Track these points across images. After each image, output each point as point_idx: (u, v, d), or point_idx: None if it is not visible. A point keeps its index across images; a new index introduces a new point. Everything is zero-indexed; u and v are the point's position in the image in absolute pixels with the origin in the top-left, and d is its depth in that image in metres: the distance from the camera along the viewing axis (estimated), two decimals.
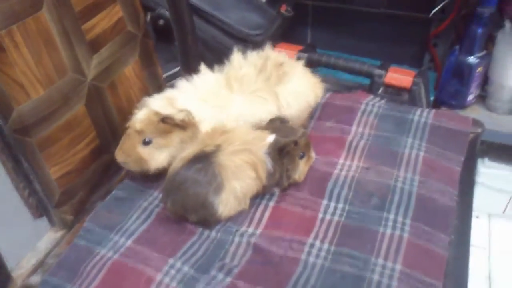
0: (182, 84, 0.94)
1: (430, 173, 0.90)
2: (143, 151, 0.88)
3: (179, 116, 0.86)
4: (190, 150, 0.83)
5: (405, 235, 0.79)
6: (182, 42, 1.18)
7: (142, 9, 1.04)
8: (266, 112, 0.92)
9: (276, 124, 0.89)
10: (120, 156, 0.89)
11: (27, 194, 0.86)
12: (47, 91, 0.82)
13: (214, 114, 0.90)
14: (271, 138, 0.84)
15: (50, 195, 0.87)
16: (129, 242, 0.81)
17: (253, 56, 0.97)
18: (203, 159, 0.80)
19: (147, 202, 0.89)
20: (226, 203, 0.81)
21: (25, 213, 0.88)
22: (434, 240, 0.78)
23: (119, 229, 0.84)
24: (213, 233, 0.82)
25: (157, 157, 0.88)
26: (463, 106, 1.59)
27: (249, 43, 1.52)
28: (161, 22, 1.54)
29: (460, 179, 0.89)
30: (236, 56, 0.96)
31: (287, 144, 0.83)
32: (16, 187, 0.85)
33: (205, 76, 0.95)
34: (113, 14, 0.94)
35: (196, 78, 0.94)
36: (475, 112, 1.59)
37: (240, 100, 0.92)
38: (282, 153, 0.84)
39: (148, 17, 1.54)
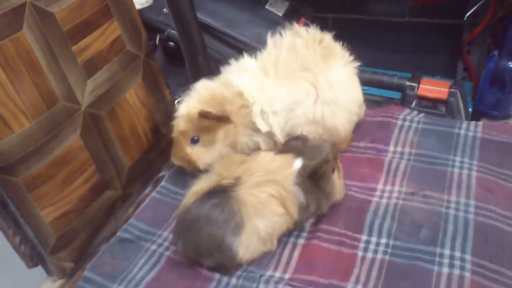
0: (231, 66, 0.90)
1: (488, 196, 0.78)
2: (191, 151, 0.86)
3: (213, 110, 0.81)
4: (204, 183, 0.73)
5: (467, 274, 0.67)
6: (192, 62, 1.10)
7: (144, 27, 0.96)
8: (304, 93, 0.85)
9: (298, 144, 0.77)
10: (174, 160, 0.88)
11: (18, 241, 0.78)
12: (34, 123, 0.74)
13: (261, 96, 0.85)
14: (298, 163, 0.73)
15: (44, 241, 0.79)
16: None
17: (285, 37, 0.91)
18: (220, 194, 0.70)
19: (155, 244, 0.80)
20: (248, 245, 0.71)
21: (18, 262, 0.80)
22: (503, 280, 0.66)
23: (124, 278, 0.74)
24: (233, 280, 0.72)
25: (204, 155, 0.85)
26: (506, 116, 1.46)
27: None
28: (171, 44, 1.46)
29: None
30: (270, 41, 0.91)
31: (319, 166, 0.72)
32: (5, 234, 0.77)
33: (247, 61, 0.90)
34: (109, 33, 0.86)
35: (241, 62, 0.90)
36: None
37: (275, 85, 0.86)
38: (316, 177, 0.73)
39: (157, 40, 1.46)
